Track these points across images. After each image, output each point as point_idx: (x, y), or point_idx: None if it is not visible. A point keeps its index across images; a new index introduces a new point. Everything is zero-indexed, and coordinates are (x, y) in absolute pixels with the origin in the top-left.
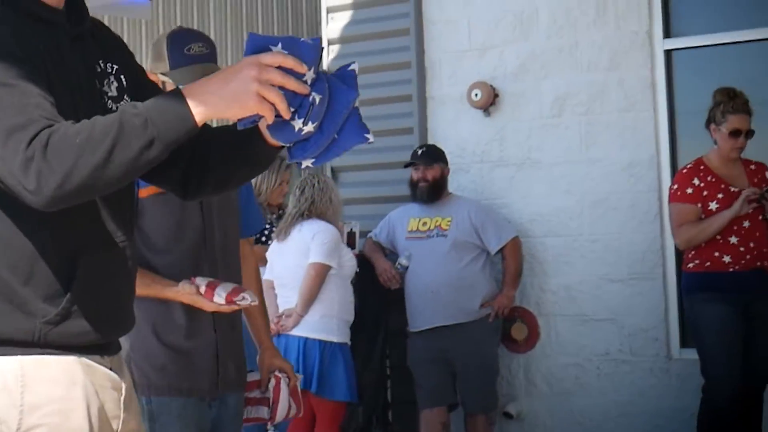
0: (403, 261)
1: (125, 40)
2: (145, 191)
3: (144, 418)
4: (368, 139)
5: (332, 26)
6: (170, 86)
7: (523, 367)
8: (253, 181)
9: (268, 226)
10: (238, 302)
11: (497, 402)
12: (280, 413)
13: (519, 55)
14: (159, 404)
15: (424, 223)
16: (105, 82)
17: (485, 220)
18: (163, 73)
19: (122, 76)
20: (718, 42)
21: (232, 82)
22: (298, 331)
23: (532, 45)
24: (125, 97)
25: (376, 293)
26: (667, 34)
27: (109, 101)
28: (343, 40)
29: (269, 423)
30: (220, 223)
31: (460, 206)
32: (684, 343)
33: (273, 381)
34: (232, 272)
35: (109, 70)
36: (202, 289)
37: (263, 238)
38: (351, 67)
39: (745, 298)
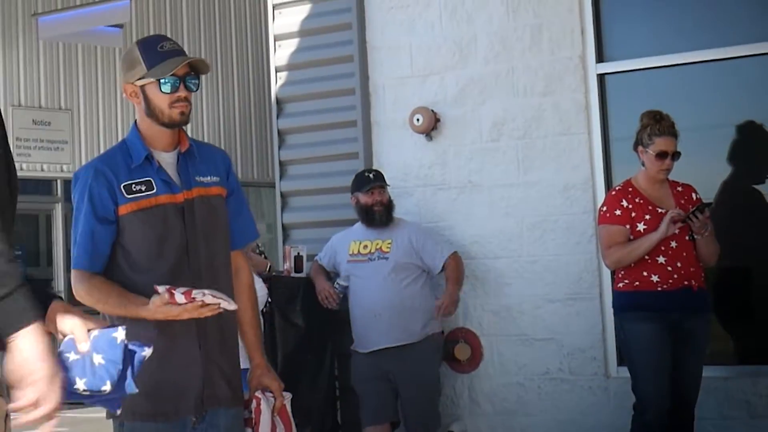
0: (341, 281)
1: (99, 68)
2: (124, 208)
3: None
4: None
5: (279, 54)
6: (150, 86)
7: (467, 386)
8: None
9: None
10: (196, 297)
11: (440, 421)
12: None
13: (459, 80)
14: (131, 429)
15: (365, 246)
16: None
17: (425, 240)
18: (140, 78)
19: None
20: (649, 66)
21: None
22: None
23: (470, 71)
24: None
25: (323, 314)
26: (600, 58)
27: None
28: (290, 67)
29: None
30: (204, 238)
31: (399, 228)
32: (621, 362)
33: (254, 402)
34: (220, 288)
35: None
36: (166, 295)
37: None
38: (144, 353)
39: (673, 316)
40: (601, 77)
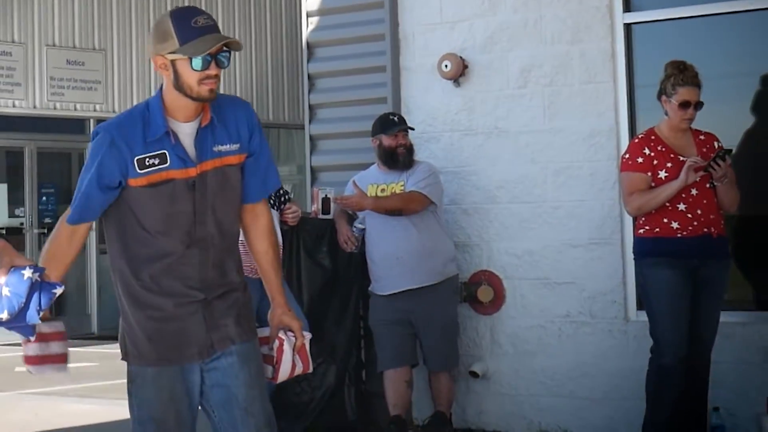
0: (358, 225)
1: (134, 8)
2: (135, 182)
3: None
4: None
5: (311, 0)
6: (181, 62)
7: (489, 328)
8: None
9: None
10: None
11: (459, 359)
12: (283, 373)
13: (487, 28)
14: (136, 367)
15: (383, 190)
16: None
17: (417, 175)
18: (172, 52)
19: None
20: (675, 16)
21: None
22: None
23: (499, 18)
24: None
25: (349, 255)
26: (627, 8)
27: None
28: (321, 12)
29: (272, 382)
30: (212, 208)
31: (412, 170)
32: (641, 306)
33: (276, 342)
34: (224, 252)
35: None
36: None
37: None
38: (55, 291)
39: (692, 263)
40: (627, 26)
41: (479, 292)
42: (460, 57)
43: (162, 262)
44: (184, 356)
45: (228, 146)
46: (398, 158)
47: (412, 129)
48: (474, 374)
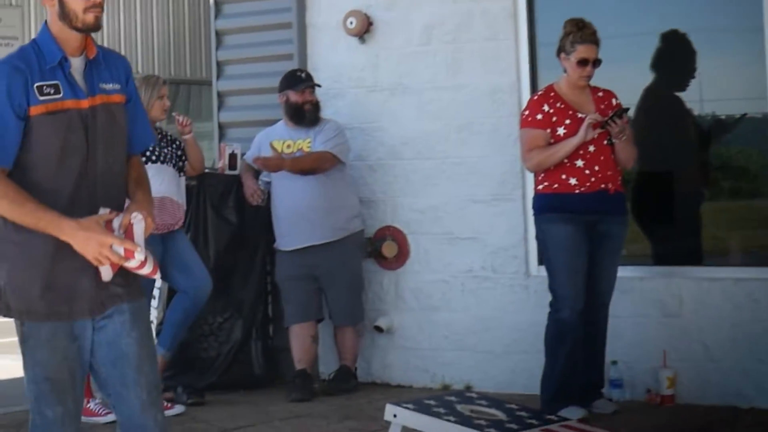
0: (264, 178)
1: None
2: (35, 109)
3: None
4: None
5: None
6: None
7: (394, 283)
8: None
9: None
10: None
11: (364, 314)
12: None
13: None
14: (30, 327)
15: (288, 146)
16: None
17: (325, 134)
18: None
19: None
20: None
21: None
22: None
23: None
24: None
25: (256, 211)
26: None
27: None
28: None
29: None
30: (104, 145)
31: (320, 128)
32: (541, 261)
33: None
34: (113, 195)
35: None
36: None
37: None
38: None
39: (590, 218)
40: None
41: (384, 247)
42: (365, 14)
43: (53, 204)
44: (74, 312)
45: (111, 85)
46: (305, 114)
47: (319, 86)
48: (378, 329)
